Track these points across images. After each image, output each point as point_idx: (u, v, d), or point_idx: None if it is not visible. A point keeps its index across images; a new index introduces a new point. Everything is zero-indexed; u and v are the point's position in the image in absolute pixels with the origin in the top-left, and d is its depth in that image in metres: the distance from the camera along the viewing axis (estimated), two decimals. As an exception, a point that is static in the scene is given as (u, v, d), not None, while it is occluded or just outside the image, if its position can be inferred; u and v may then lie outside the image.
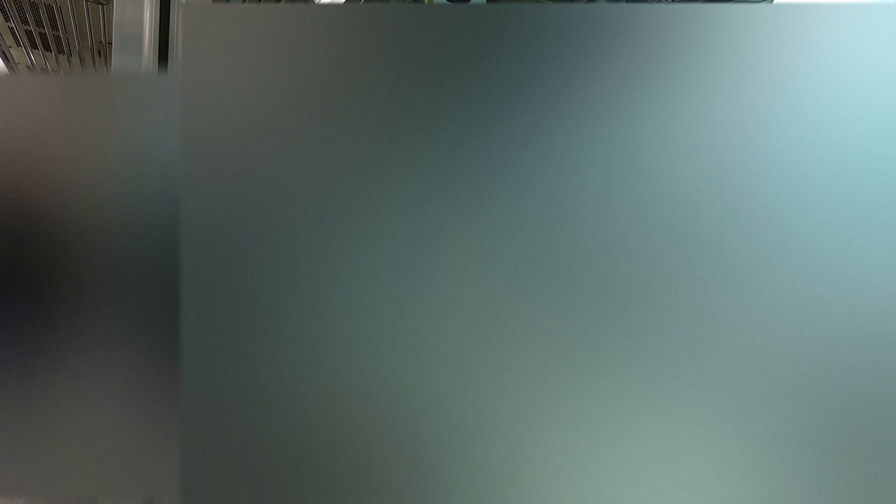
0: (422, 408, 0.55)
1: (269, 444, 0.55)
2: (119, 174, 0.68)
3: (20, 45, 4.95)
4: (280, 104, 0.54)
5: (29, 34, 4.66)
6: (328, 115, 0.54)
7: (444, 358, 0.55)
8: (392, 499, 0.55)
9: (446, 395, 0.55)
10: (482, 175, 0.54)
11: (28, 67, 5.63)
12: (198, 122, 0.54)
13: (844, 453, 0.54)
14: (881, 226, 0.53)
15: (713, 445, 0.54)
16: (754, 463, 0.54)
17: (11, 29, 4.59)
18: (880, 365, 0.54)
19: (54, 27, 4.42)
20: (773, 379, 0.54)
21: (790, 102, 0.53)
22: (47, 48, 4.95)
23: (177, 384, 0.68)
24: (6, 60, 5.47)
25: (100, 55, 4.94)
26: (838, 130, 0.53)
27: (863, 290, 0.54)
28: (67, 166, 0.68)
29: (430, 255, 0.54)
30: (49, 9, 4.04)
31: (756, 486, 0.54)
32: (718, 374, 0.54)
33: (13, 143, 0.68)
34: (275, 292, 0.54)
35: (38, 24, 4.37)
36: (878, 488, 0.54)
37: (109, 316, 0.69)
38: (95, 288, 0.69)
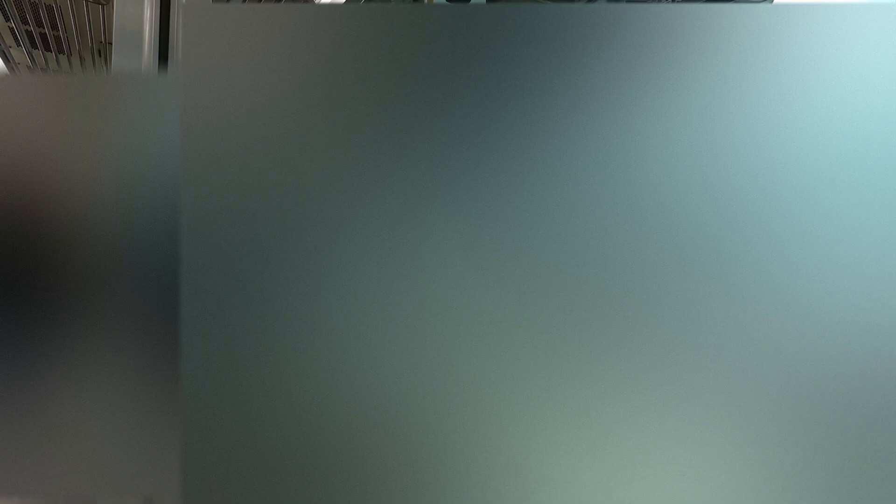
0: (422, 408, 0.55)
1: (269, 445, 0.55)
2: (119, 174, 0.68)
3: (20, 45, 4.95)
4: (280, 104, 0.54)
5: (29, 34, 4.66)
6: (328, 116, 0.54)
7: (443, 359, 0.55)
8: (392, 498, 0.55)
9: (446, 396, 0.55)
10: (482, 175, 0.54)
11: (28, 67, 5.63)
12: (198, 122, 0.54)
13: (844, 453, 0.54)
14: (881, 226, 0.53)
15: (713, 446, 0.54)
16: (754, 463, 0.54)
17: (11, 29, 4.59)
18: (880, 364, 0.54)
19: (54, 27, 4.42)
20: (772, 379, 0.54)
21: (790, 102, 0.53)
22: (47, 48, 4.95)
23: (177, 384, 0.68)
24: (6, 60, 5.47)
25: (100, 55, 4.94)
26: (838, 130, 0.53)
27: (863, 290, 0.54)
28: (67, 166, 0.68)
29: (431, 255, 0.54)
30: (49, 9, 4.04)
31: (756, 487, 0.54)
32: (718, 375, 0.54)
33: (13, 143, 0.68)
34: (275, 292, 0.54)
35: (38, 24, 4.37)
36: (878, 488, 0.54)
37: (109, 315, 0.69)
38: (95, 287, 0.69)
